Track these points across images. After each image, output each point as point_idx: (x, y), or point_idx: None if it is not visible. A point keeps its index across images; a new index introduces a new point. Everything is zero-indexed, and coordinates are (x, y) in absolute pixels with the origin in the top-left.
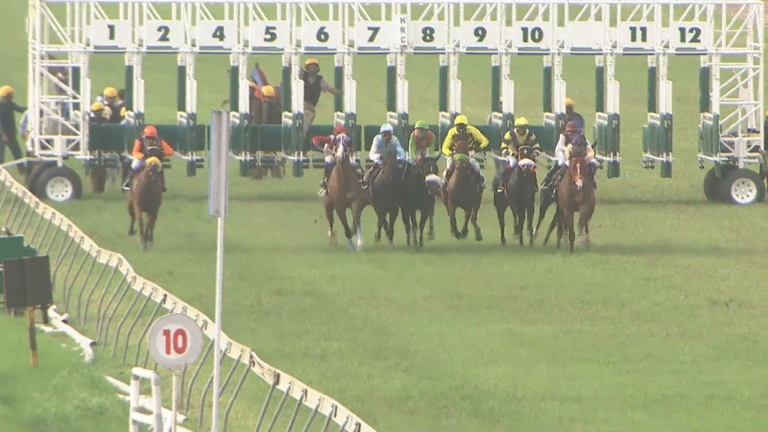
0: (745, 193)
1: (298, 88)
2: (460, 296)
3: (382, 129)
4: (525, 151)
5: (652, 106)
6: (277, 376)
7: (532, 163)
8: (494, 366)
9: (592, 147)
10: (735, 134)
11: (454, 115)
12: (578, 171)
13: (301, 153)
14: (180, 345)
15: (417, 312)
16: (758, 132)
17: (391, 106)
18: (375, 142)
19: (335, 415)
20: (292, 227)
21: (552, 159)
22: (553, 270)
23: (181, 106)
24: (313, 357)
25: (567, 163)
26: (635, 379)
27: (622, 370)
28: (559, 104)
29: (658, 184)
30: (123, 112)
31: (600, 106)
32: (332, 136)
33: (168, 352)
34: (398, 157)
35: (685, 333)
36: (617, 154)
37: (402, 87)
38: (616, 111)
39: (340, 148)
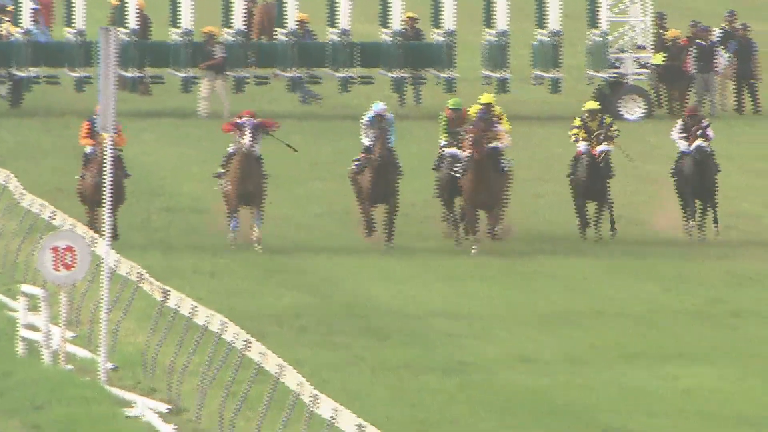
0: (633, 109)
1: (185, 2)
2: (350, 213)
3: (374, 108)
4: (601, 137)
5: (541, 22)
6: (166, 293)
7: (611, 148)
8: (385, 284)
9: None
10: (623, 51)
11: (344, 32)
12: (471, 142)
13: (189, 70)
14: (69, 262)
15: (308, 229)
16: (646, 48)
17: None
18: (364, 121)
19: (224, 332)
20: (180, 144)
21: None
22: None
23: (70, 23)
24: (202, 274)
25: (687, 149)
26: (525, 297)
27: (512, 287)
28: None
29: (547, 101)
30: (12, 28)
31: (489, 23)
32: (237, 119)
33: (57, 268)
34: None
35: (574, 250)
36: (506, 70)
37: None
38: (505, 28)
39: (248, 136)
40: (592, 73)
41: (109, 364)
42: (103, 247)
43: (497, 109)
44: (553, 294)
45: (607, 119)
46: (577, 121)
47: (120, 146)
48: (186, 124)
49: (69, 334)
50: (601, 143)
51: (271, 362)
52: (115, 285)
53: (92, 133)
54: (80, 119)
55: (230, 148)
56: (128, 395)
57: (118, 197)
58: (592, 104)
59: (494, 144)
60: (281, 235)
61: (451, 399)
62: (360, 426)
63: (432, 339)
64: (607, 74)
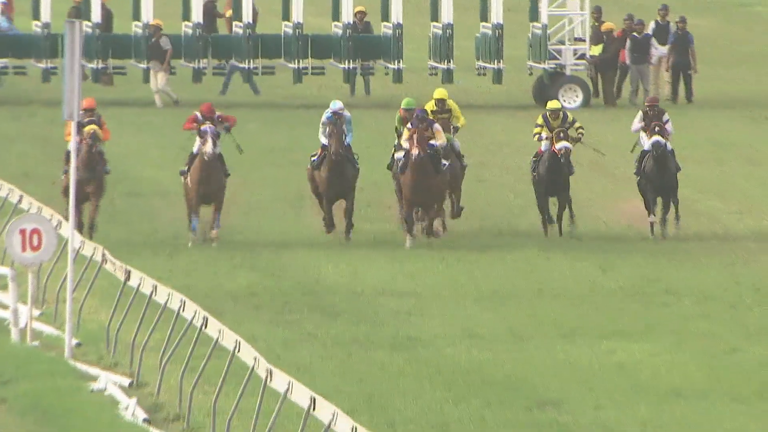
0: (572, 98)
1: None
2: (303, 198)
3: (332, 106)
4: (561, 134)
5: (484, 16)
6: (128, 273)
7: (570, 146)
8: (335, 263)
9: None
10: (562, 42)
11: (297, 24)
12: (415, 141)
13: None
14: (35, 243)
15: (262, 212)
16: (584, 40)
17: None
18: (323, 119)
19: (183, 310)
20: (141, 130)
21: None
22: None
23: (36, 16)
24: (162, 255)
25: (647, 147)
26: (469, 275)
27: (456, 266)
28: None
29: (489, 90)
30: None
31: (435, 16)
32: (197, 114)
33: (24, 250)
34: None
35: (516, 231)
36: (451, 61)
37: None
38: (450, 21)
39: (209, 144)
40: (532, 64)
41: (74, 341)
42: (68, 229)
43: (451, 103)
44: (495, 273)
45: (570, 117)
46: (540, 120)
47: (104, 140)
48: (147, 113)
49: (36, 312)
50: (561, 140)
51: (228, 338)
52: (80, 265)
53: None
54: (47, 108)
55: (194, 149)
56: (92, 370)
57: (99, 191)
58: (554, 104)
59: (432, 142)
60: (236, 218)
61: (398, 373)
62: (312, 399)
63: (380, 316)
64: (547, 65)
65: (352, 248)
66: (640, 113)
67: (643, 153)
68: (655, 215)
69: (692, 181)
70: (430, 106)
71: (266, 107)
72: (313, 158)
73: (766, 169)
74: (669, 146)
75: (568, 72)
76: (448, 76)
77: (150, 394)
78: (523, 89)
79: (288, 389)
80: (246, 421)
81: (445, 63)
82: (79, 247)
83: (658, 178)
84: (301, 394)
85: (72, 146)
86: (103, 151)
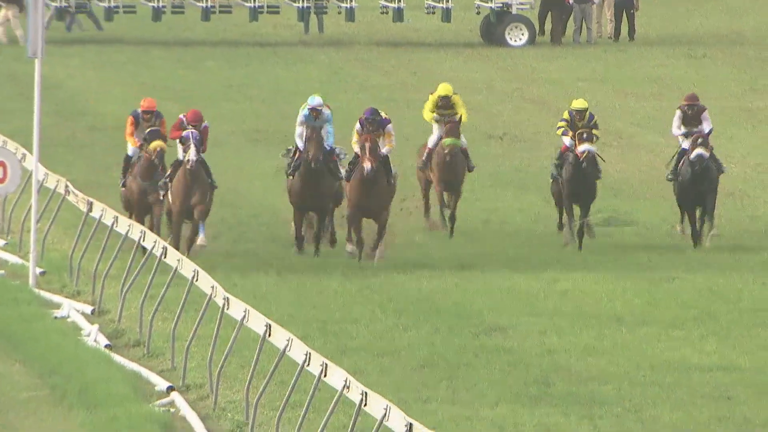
0: (517, 36)
1: None
2: (259, 131)
3: (310, 102)
4: (584, 135)
5: None
6: (90, 204)
7: (594, 149)
8: (286, 195)
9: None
10: None
11: None
12: (367, 152)
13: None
14: (0, 176)
15: (219, 146)
16: None
17: None
18: (299, 118)
19: (144, 239)
20: (104, 68)
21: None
22: (342, 107)
23: None
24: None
25: (685, 146)
26: (416, 209)
27: (405, 199)
28: None
29: (438, 29)
30: None
31: None
32: (182, 119)
33: None
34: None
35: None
36: (401, 0)
37: None
38: None
39: (192, 151)
40: (480, 3)
41: (38, 269)
42: (32, 162)
43: (456, 99)
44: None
45: (595, 119)
46: (566, 115)
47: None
48: (109, 50)
49: (1, 242)
50: (584, 141)
51: (186, 267)
52: (44, 197)
53: (136, 129)
54: (11, 46)
55: (179, 156)
56: (55, 298)
57: (160, 201)
58: (581, 103)
59: (384, 149)
60: None
61: (351, 300)
62: (268, 325)
63: (334, 246)
64: (494, 4)
65: None
66: (679, 113)
67: (681, 153)
68: (683, 226)
69: (633, 117)
70: (433, 101)
71: (223, 45)
72: (285, 156)
73: (704, 105)
74: (708, 156)
75: (514, 11)
76: (398, 15)
77: (111, 321)
78: (471, 28)
79: (244, 317)
80: (204, 347)
81: (396, 2)
82: (43, 180)
83: (696, 188)
84: (257, 321)
85: (37, 76)
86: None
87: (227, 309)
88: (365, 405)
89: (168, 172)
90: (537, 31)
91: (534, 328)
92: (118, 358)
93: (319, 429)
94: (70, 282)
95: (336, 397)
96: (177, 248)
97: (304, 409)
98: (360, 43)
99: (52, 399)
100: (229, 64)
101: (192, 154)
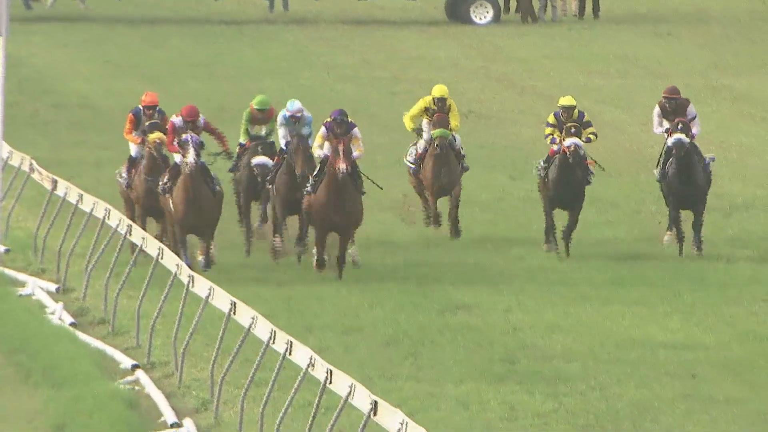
0: (482, 14)
1: None
2: (224, 109)
3: (289, 107)
4: (572, 129)
5: None
6: (55, 183)
7: (580, 143)
8: None
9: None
10: None
11: None
12: (341, 154)
13: None
14: None
15: None
16: None
17: None
18: (279, 120)
19: (108, 218)
20: (69, 46)
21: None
22: (308, 85)
23: None
24: (88, 165)
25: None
26: (387, 187)
27: (370, 173)
28: None
29: (403, 7)
30: None
31: None
32: (174, 121)
33: None
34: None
35: None
36: None
37: None
38: None
39: (191, 154)
40: None
41: (2, 247)
42: None
43: (451, 102)
44: (405, 181)
45: (586, 116)
46: (551, 119)
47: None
48: (73, 28)
49: None
50: (571, 135)
51: (152, 245)
52: (8, 175)
53: (136, 127)
54: None
55: (177, 159)
56: (20, 276)
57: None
58: (568, 100)
59: (355, 153)
60: None
61: (315, 278)
62: (233, 303)
63: (297, 224)
64: None
65: None
66: (657, 108)
67: (667, 152)
68: (673, 233)
69: (598, 94)
70: (426, 103)
71: (188, 23)
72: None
73: (669, 82)
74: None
75: None
76: None
77: (76, 299)
78: (436, 5)
79: (209, 295)
80: (169, 326)
81: None
82: (7, 158)
83: (683, 185)
84: (221, 299)
85: (1, 53)
86: (167, 156)
87: (192, 287)
88: (330, 383)
89: (167, 176)
90: (501, 9)
91: (499, 305)
92: (82, 336)
93: (284, 407)
94: (34, 260)
95: (301, 375)
96: (178, 256)
97: (269, 386)
98: (325, 21)
99: (17, 377)
100: (195, 42)
101: (191, 157)
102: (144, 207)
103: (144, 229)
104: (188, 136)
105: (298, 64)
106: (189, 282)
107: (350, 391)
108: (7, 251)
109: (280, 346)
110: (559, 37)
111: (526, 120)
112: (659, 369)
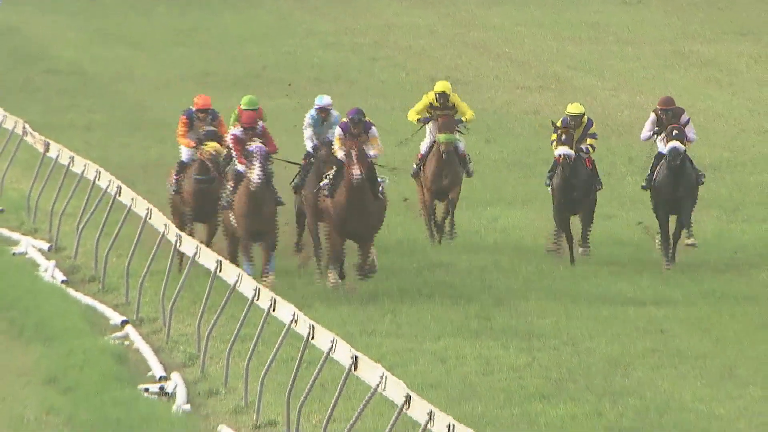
0: None
1: None
2: (208, 74)
3: (317, 102)
4: (563, 137)
5: None
6: (47, 145)
7: (571, 152)
8: None
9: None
10: None
11: None
12: (354, 158)
13: None
14: None
15: (170, 89)
16: None
17: None
18: (306, 119)
19: (99, 179)
20: (58, 13)
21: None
22: (290, 52)
23: None
24: (78, 128)
25: (664, 150)
26: None
27: None
28: None
29: None
30: None
31: None
32: (236, 134)
33: None
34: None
35: (407, 107)
36: None
37: None
38: None
39: (257, 170)
40: None
41: None
42: None
43: (455, 98)
44: (386, 147)
45: (594, 127)
46: (560, 124)
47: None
48: None
49: None
50: (561, 144)
51: (140, 206)
52: (2, 138)
53: (190, 129)
54: None
55: (238, 167)
56: (14, 235)
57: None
58: (576, 108)
59: (372, 152)
60: (143, 92)
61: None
62: (218, 261)
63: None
64: None
65: None
66: (653, 116)
67: (657, 159)
68: (660, 238)
69: (570, 60)
70: (430, 98)
71: None
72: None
73: (638, 49)
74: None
75: None
76: None
77: (68, 258)
78: None
79: (196, 253)
80: (157, 283)
81: None
82: (1, 121)
83: (673, 192)
84: (208, 258)
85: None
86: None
87: (179, 246)
88: (312, 338)
89: (229, 187)
90: None
91: (475, 264)
92: (74, 293)
93: (268, 361)
94: (27, 220)
95: (284, 331)
96: (237, 264)
97: (253, 342)
98: None
99: (10, 333)
100: (180, 9)
101: (257, 174)
102: (193, 209)
103: (192, 235)
104: (254, 146)
105: (281, 31)
106: (176, 241)
107: (332, 346)
108: (1, 211)
109: (264, 303)
110: (533, 5)
111: (501, 85)
112: (629, 325)
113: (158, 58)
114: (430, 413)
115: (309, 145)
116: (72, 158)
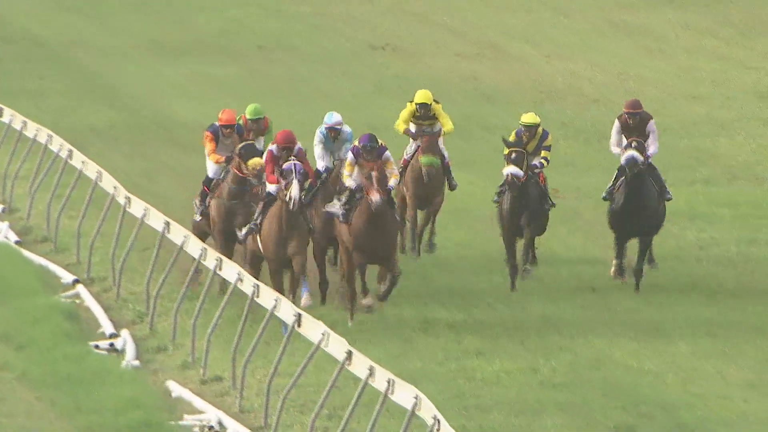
0: None
1: None
2: (157, 42)
3: (326, 120)
4: (512, 155)
5: None
6: (0, 111)
7: (520, 172)
8: (185, 101)
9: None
10: None
11: None
12: (374, 182)
13: None
14: None
15: (122, 56)
16: None
17: None
18: (317, 137)
19: (50, 143)
20: None
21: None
22: (236, 19)
23: None
24: (31, 93)
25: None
26: (304, 115)
27: (293, 105)
28: None
29: None
30: None
31: None
32: (273, 150)
33: None
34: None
35: (348, 72)
36: None
37: None
38: None
39: (295, 188)
40: None
41: None
42: None
43: (436, 108)
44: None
45: (549, 139)
46: (512, 137)
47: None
48: None
49: None
50: (509, 163)
51: (90, 169)
52: None
53: (217, 145)
54: None
55: (270, 188)
56: None
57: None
58: (530, 117)
59: (391, 181)
60: (95, 59)
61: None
62: (166, 223)
63: None
64: None
65: (199, 88)
66: (617, 124)
67: (621, 171)
68: (618, 262)
69: (504, 28)
70: (410, 110)
71: None
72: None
73: (571, 17)
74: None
75: None
76: None
77: (21, 219)
78: None
79: (144, 214)
80: (107, 243)
81: None
82: None
83: (631, 210)
84: (156, 219)
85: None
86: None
87: (129, 208)
88: (257, 296)
89: (258, 211)
90: None
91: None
92: (26, 253)
93: (214, 318)
94: None
95: (230, 289)
96: (281, 292)
97: (200, 300)
98: None
99: None
100: None
101: (295, 191)
102: (222, 233)
103: (230, 257)
104: (291, 164)
105: (228, 1)
106: (126, 203)
107: (275, 305)
108: None
109: (210, 263)
110: None
111: (439, 52)
112: (562, 284)
113: (109, 26)
114: (371, 368)
115: (320, 165)
116: (24, 123)
